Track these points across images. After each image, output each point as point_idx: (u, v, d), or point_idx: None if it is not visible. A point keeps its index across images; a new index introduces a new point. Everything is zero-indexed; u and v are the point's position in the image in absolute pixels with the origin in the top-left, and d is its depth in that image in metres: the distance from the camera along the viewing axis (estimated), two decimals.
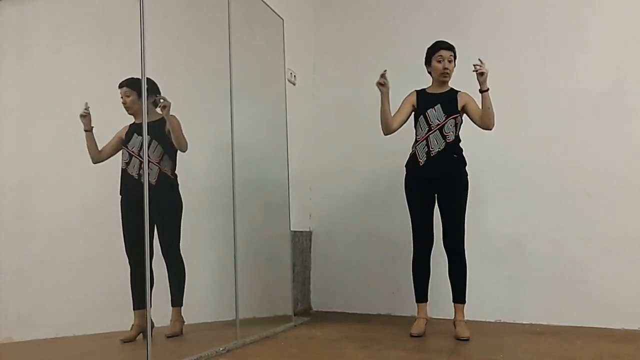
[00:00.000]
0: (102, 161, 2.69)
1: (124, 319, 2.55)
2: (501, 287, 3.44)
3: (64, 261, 2.62)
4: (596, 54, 3.41)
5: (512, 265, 3.45)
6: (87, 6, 2.80)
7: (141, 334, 2.56)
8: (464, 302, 2.91)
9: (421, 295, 3.00)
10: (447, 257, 2.93)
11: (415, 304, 3.02)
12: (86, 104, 2.61)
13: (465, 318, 2.91)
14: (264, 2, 3.18)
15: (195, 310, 2.74)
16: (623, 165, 3.30)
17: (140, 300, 2.47)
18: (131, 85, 2.60)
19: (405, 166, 3.01)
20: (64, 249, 2.65)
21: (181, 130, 2.65)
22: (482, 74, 2.77)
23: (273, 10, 3.27)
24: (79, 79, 2.77)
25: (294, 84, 3.75)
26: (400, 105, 3.01)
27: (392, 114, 2.96)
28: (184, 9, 2.86)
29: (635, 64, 3.33)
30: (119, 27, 2.70)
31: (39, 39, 2.79)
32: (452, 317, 2.94)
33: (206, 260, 2.96)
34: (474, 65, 2.76)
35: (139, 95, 2.54)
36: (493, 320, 3.41)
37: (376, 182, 3.77)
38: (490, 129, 2.89)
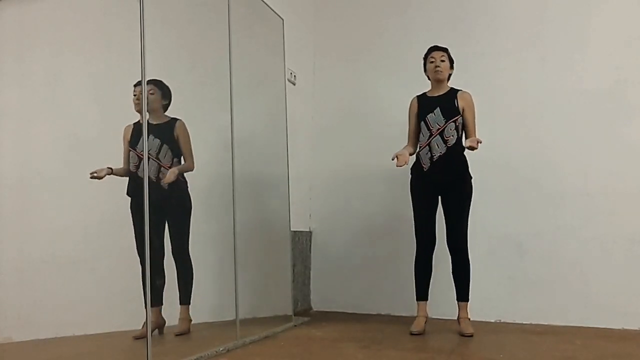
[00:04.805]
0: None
1: (124, 319, 2.55)
2: (501, 287, 3.44)
3: (64, 261, 2.62)
4: (596, 54, 3.41)
5: (512, 265, 3.45)
6: (87, 6, 2.80)
7: (157, 330, 2.60)
8: (467, 300, 2.99)
9: (421, 293, 3.05)
10: (451, 256, 2.98)
11: (416, 302, 3.05)
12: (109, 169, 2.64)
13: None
14: (264, 2, 3.18)
15: (195, 310, 2.74)
16: (623, 165, 3.30)
17: (154, 297, 2.50)
18: (158, 85, 2.66)
19: (411, 170, 3.07)
20: (64, 249, 2.65)
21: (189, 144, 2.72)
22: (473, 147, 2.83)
23: (273, 10, 3.27)
24: (79, 79, 2.77)
25: (294, 84, 3.75)
26: (409, 123, 3.10)
27: (409, 139, 3.09)
28: (184, 9, 2.86)
29: (635, 63, 3.33)
30: (119, 27, 2.70)
31: (39, 39, 2.78)
32: (452, 317, 2.95)
33: (206, 260, 2.95)
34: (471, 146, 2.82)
35: (162, 96, 2.67)
36: (493, 320, 3.41)
37: (376, 182, 3.77)
38: None
